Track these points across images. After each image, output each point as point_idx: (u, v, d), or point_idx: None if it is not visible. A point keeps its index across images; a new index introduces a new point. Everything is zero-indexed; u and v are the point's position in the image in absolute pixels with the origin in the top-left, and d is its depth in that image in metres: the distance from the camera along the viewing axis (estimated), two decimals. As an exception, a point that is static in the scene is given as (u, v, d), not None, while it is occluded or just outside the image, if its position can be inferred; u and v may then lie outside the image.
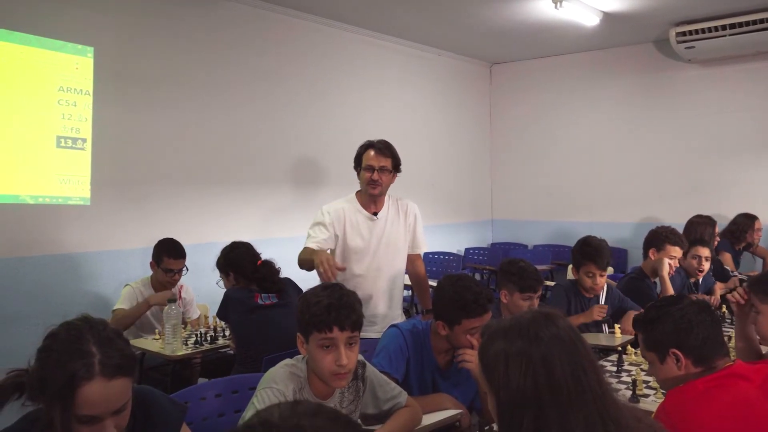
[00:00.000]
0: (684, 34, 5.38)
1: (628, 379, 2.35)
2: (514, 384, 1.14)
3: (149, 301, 3.26)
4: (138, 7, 4.18)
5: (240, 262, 3.12)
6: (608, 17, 5.19)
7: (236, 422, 1.91)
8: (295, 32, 5.13)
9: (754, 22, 5.01)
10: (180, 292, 3.57)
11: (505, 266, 2.81)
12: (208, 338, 3.11)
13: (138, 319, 3.29)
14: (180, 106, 4.39)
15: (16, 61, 3.64)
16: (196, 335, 3.15)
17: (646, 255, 3.56)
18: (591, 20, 5.16)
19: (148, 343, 3.09)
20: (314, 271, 2.91)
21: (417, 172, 5.96)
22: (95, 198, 3.95)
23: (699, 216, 4.54)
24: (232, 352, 3.15)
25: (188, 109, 4.44)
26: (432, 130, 6.49)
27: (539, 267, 4.53)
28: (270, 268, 3.11)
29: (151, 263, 3.46)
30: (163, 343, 2.97)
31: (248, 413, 1.69)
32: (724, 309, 3.49)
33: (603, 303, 3.26)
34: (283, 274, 3.16)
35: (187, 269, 3.49)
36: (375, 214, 3.00)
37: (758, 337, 2.19)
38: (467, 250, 6.67)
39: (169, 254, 3.40)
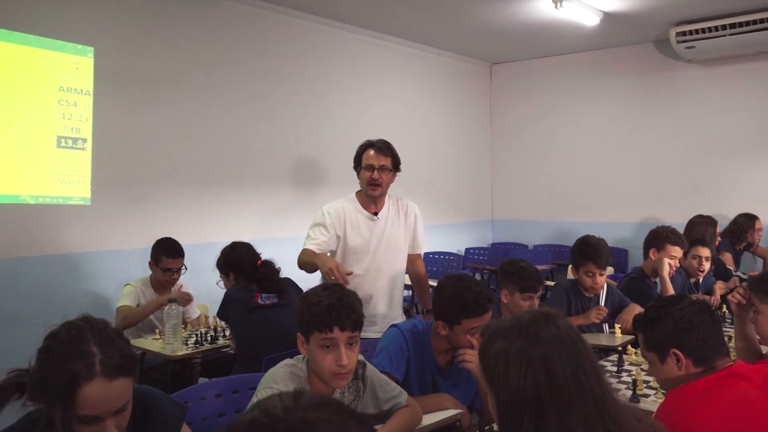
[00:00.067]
0: (684, 33, 5.37)
1: (629, 379, 2.35)
2: (514, 384, 1.14)
3: (160, 301, 3.26)
4: (138, 7, 4.18)
5: (240, 263, 3.12)
6: (608, 17, 5.19)
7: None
8: (295, 32, 5.13)
9: (755, 22, 5.01)
10: (179, 291, 3.57)
11: (505, 266, 2.81)
12: (209, 338, 3.11)
13: (146, 318, 3.29)
14: (180, 106, 4.39)
15: (17, 61, 3.64)
16: (197, 335, 3.16)
17: (646, 255, 3.56)
18: (591, 20, 5.16)
19: (149, 343, 3.10)
20: (314, 273, 2.92)
21: (417, 172, 5.96)
22: (95, 198, 3.95)
23: (700, 216, 4.54)
24: (232, 352, 3.15)
25: (188, 109, 4.44)
26: (432, 130, 6.49)
27: (539, 267, 4.54)
28: (270, 268, 3.11)
29: (149, 263, 3.47)
30: (163, 343, 2.97)
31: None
32: (724, 309, 3.49)
33: (603, 303, 3.27)
34: (283, 274, 3.17)
35: (186, 268, 3.49)
36: (375, 214, 3.00)
37: (758, 337, 2.19)
38: (467, 250, 6.67)
39: (167, 254, 3.40)
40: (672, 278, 3.40)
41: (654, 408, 1.69)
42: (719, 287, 3.99)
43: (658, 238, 3.51)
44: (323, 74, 5.35)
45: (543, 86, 6.83)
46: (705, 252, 3.72)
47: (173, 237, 3.51)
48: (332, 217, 2.95)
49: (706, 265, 3.74)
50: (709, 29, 5.22)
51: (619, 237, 6.04)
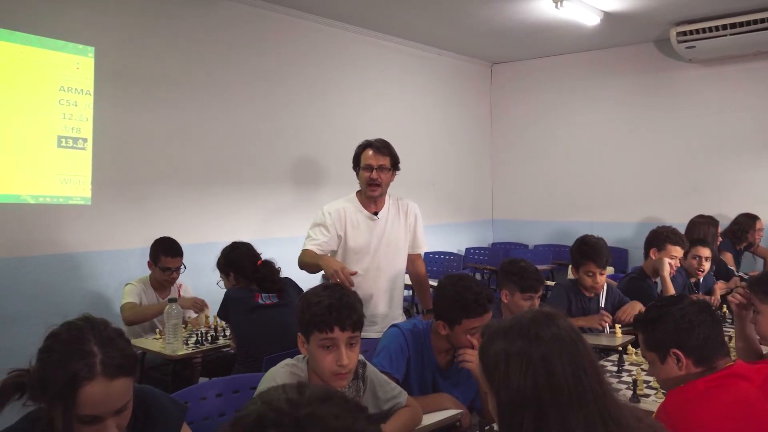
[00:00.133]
0: (684, 33, 5.37)
1: (629, 379, 2.35)
2: (515, 384, 1.14)
3: (164, 305, 3.29)
4: (138, 7, 4.18)
5: (240, 262, 3.13)
6: (609, 17, 5.19)
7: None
8: (295, 32, 5.13)
9: (755, 22, 5.01)
10: (179, 291, 3.58)
11: (505, 266, 2.81)
12: (209, 338, 3.11)
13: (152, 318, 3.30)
14: (180, 106, 4.39)
15: (17, 61, 3.64)
16: (197, 335, 3.15)
17: (647, 255, 3.56)
18: (591, 20, 5.16)
19: (149, 343, 3.10)
20: (315, 274, 2.92)
21: (417, 171, 5.96)
22: (96, 198, 3.95)
23: (701, 216, 4.54)
24: (232, 351, 3.16)
25: (188, 109, 4.44)
26: (432, 129, 6.49)
27: (540, 267, 4.53)
28: (270, 268, 3.11)
29: (148, 263, 3.47)
30: (163, 342, 2.97)
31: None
32: (724, 309, 3.49)
33: (603, 303, 3.27)
34: (283, 274, 3.17)
35: (185, 267, 3.49)
36: (375, 213, 3.00)
37: (758, 337, 2.19)
38: (468, 249, 6.67)
39: (166, 253, 3.41)
40: (672, 278, 3.40)
41: (654, 408, 1.69)
42: (719, 287, 3.99)
43: (659, 237, 3.51)
44: (323, 74, 5.35)
45: (543, 86, 6.83)
46: (705, 252, 3.72)
47: (173, 237, 3.52)
48: (333, 217, 2.95)
49: (706, 265, 3.74)
50: (710, 29, 5.22)
51: (619, 237, 6.04)
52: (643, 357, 1.84)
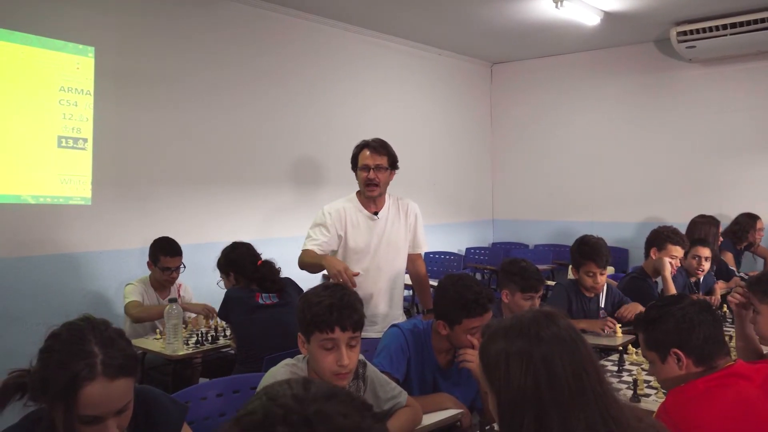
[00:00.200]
0: (685, 33, 5.37)
1: (629, 379, 2.35)
2: (515, 384, 1.14)
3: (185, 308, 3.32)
4: (139, 7, 4.18)
5: (240, 262, 3.13)
6: (609, 17, 5.19)
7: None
8: (295, 32, 5.13)
9: (755, 22, 5.00)
10: (179, 291, 3.58)
11: (506, 266, 2.81)
12: (209, 338, 3.11)
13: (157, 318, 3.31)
14: (180, 106, 4.39)
15: (17, 61, 3.64)
16: (197, 335, 3.16)
17: (647, 254, 3.56)
18: (592, 20, 5.16)
19: (149, 343, 3.10)
20: (314, 273, 2.92)
21: (418, 171, 5.96)
22: (96, 198, 3.96)
23: (702, 216, 4.54)
24: (233, 351, 3.16)
25: (189, 109, 4.44)
26: (433, 129, 6.49)
27: (540, 267, 4.52)
28: (270, 267, 3.12)
29: (148, 263, 3.47)
30: (164, 342, 2.97)
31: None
32: (725, 308, 3.49)
33: (603, 303, 3.27)
34: (283, 274, 3.17)
35: (185, 267, 3.49)
36: (375, 213, 3.00)
37: (758, 337, 2.19)
38: (468, 249, 6.67)
39: (165, 252, 3.41)
40: (672, 278, 3.40)
41: (655, 408, 1.69)
42: (720, 287, 3.99)
43: (660, 237, 3.51)
44: (323, 74, 5.35)
45: (544, 86, 6.83)
46: (705, 252, 3.73)
47: (173, 237, 3.52)
48: (333, 217, 2.95)
49: (706, 265, 3.75)
50: (710, 29, 5.22)
51: (619, 237, 6.04)
52: (644, 357, 1.84)
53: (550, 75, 6.78)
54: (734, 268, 4.57)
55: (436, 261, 5.94)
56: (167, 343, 2.92)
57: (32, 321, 3.51)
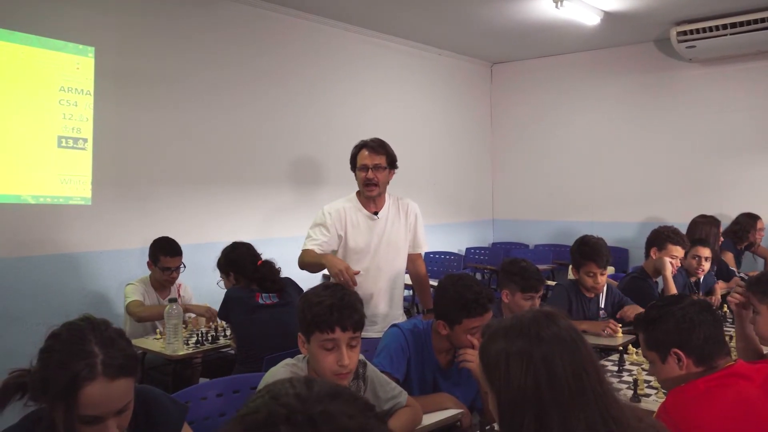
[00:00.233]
0: (685, 33, 5.37)
1: (630, 379, 2.35)
2: (515, 384, 1.14)
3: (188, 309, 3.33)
4: (139, 7, 4.18)
5: (241, 262, 3.13)
6: (609, 17, 5.19)
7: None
8: (295, 32, 5.13)
9: (755, 21, 5.00)
10: (179, 291, 3.58)
11: (506, 266, 2.81)
12: (209, 338, 3.11)
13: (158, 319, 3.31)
14: (180, 106, 4.39)
15: (17, 61, 3.64)
16: (198, 335, 3.16)
17: (647, 254, 3.56)
18: (592, 20, 5.16)
19: (149, 343, 3.10)
20: (315, 273, 2.92)
21: (418, 171, 5.96)
22: (96, 198, 3.96)
23: (703, 216, 4.54)
24: (233, 351, 3.16)
25: (189, 109, 4.44)
26: (433, 129, 6.49)
27: (540, 267, 4.52)
28: (270, 267, 3.12)
29: (148, 263, 3.47)
30: (164, 342, 2.97)
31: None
32: (725, 308, 3.49)
33: (603, 303, 3.27)
34: (283, 274, 3.17)
35: (185, 266, 3.49)
36: (375, 213, 3.00)
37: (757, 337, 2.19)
38: (468, 249, 6.67)
39: (164, 252, 3.41)
40: (673, 278, 3.40)
41: (655, 408, 1.69)
42: (720, 287, 3.99)
43: (660, 237, 3.51)
44: (323, 74, 5.35)
45: (544, 86, 6.83)
46: (705, 252, 3.73)
47: (173, 237, 3.52)
48: (333, 217, 2.95)
49: (706, 265, 3.75)
50: (710, 29, 5.22)
51: (620, 237, 6.04)
52: (644, 356, 1.84)
53: (550, 75, 6.78)
54: (735, 269, 4.57)
55: (436, 261, 5.94)
56: (167, 343, 2.92)
57: (32, 321, 3.51)
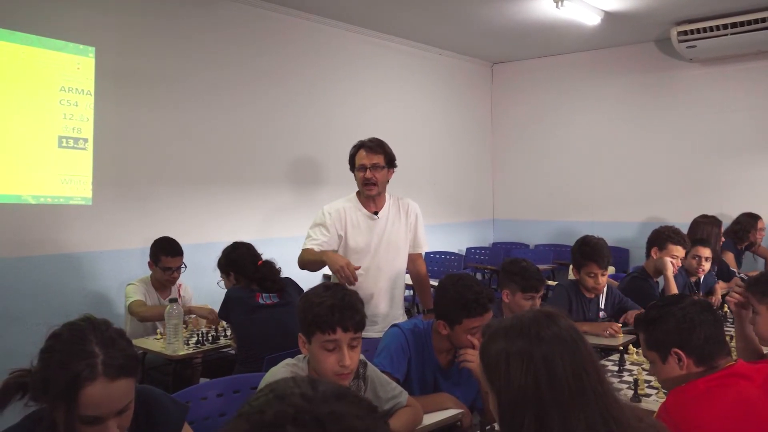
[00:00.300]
0: (685, 33, 5.37)
1: (630, 379, 2.35)
2: (516, 383, 1.14)
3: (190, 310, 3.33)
4: (139, 7, 4.18)
5: (241, 262, 3.13)
6: (609, 16, 5.19)
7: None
8: (295, 32, 5.13)
9: (756, 21, 5.00)
10: (179, 291, 3.58)
11: (507, 266, 2.81)
12: (210, 338, 3.11)
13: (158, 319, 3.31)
14: (181, 106, 4.39)
15: (18, 61, 3.65)
16: (198, 335, 3.16)
17: (648, 254, 3.56)
18: (592, 19, 5.16)
19: (150, 343, 3.10)
20: (315, 273, 2.92)
21: (418, 171, 5.96)
22: (97, 198, 3.96)
23: (704, 216, 4.54)
24: (233, 351, 3.16)
25: (189, 109, 4.44)
26: (433, 129, 6.49)
27: (541, 267, 4.53)
28: (271, 267, 3.12)
29: (148, 263, 3.47)
30: (164, 342, 2.97)
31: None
32: (725, 308, 3.48)
33: (603, 303, 3.27)
34: (283, 274, 3.17)
35: (185, 267, 3.49)
36: (375, 213, 3.00)
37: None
38: (468, 249, 6.67)
39: (165, 252, 3.41)
40: (674, 277, 3.40)
41: (655, 407, 1.69)
42: (720, 287, 3.99)
43: (661, 237, 3.51)
44: (323, 74, 5.35)
45: (544, 86, 6.83)
46: (705, 252, 3.72)
47: (174, 237, 3.52)
48: (333, 217, 2.95)
49: (706, 265, 3.74)
50: (711, 28, 5.22)
51: (620, 237, 6.04)
52: (644, 356, 1.84)
53: (550, 75, 6.78)
54: (735, 269, 4.56)
55: (436, 261, 5.94)
56: (168, 343, 2.92)
57: (32, 321, 3.51)
